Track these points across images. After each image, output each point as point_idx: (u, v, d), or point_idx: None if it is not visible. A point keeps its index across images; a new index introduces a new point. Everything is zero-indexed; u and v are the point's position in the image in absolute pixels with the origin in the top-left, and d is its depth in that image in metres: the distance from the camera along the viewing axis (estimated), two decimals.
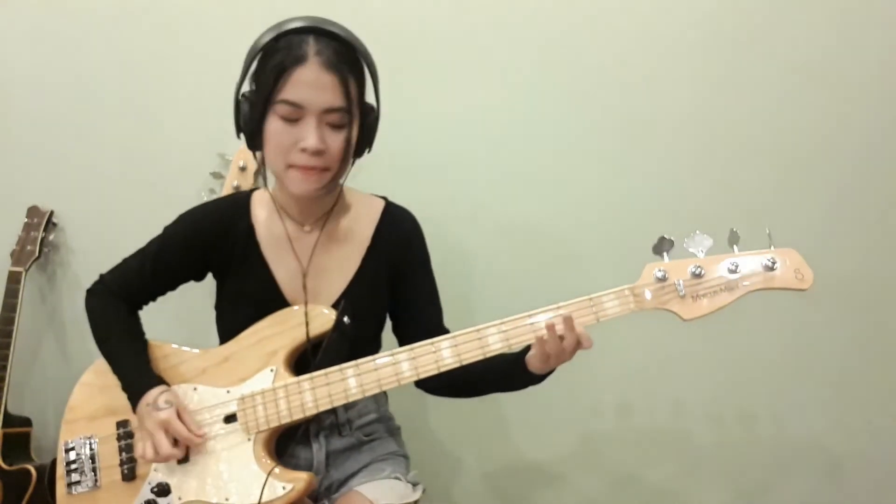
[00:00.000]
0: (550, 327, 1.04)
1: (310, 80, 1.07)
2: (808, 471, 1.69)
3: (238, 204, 1.25)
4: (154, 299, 1.29)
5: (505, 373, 1.15)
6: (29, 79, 1.81)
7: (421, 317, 1.26)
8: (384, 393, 1.32)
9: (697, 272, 1.03)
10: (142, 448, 1.13)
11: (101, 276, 1.28)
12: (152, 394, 1.14)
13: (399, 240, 1.26)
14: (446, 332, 1.23)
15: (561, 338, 1.04)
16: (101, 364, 1.23)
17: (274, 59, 1.08)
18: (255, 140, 1.14)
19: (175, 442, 1.13)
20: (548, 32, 1.68)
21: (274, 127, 1.09)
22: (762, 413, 1.70)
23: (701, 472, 1.72)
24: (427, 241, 1.30)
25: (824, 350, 1.67)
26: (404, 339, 1.27)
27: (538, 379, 1.13)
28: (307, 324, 1.15)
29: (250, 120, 1.12)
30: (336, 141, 1.11)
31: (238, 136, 1.17)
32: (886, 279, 1.65)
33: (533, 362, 1.09)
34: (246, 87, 1.14)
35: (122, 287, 1.26)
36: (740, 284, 1.02)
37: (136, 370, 1.19)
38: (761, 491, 1.70)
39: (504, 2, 1.69)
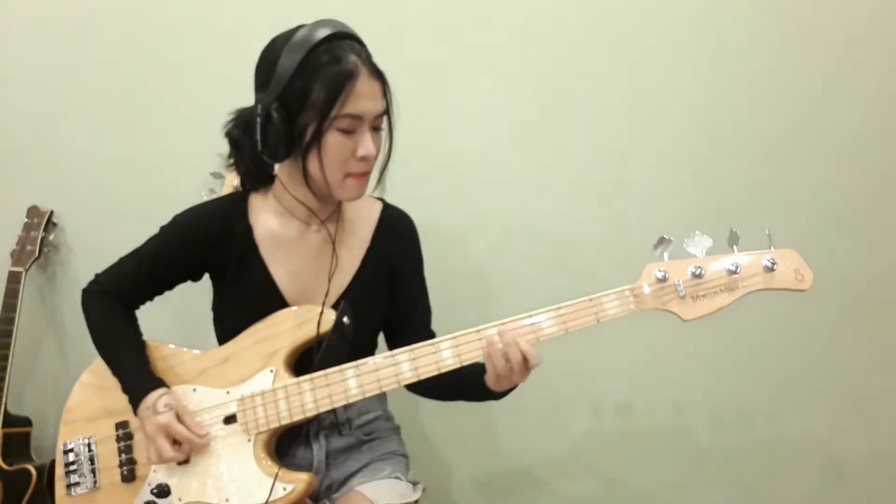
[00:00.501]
0: (491, 343, 1.06)
1: (366, 92, 1.09)
2: (807, 471, 1.69)
3: (235, 204, 1.24)
4: (150, 299, 1.29)
5: (469, 385, 1.16)
6: (29, 79, 1.81)
7: (411, 318, 1.27)
8: (383, 392, 1.31)
9: (697, 272, 1.03)
10: (144, 452, 1.14)
11: (97, 275, 1.27)
12: (152, 397, 1.14)
13: (397, 241, 1.27)
14: (433, 334, 1.25)
15: (506, 356, 1.05)
16: (99, 364, 1.23)
17: (323, 73, 1.07)
18: (293, 153, 1.12)
19: (179, 444, 1.13)
20: (549, 33, 1.68)
21: (334, 141, 1.10)
22: (761, 413, 1.70)
23: (700, 473, 1.72)
24: (427, 241, 1.31)
25: (824, 350, 1.67)
26: (392, 339, 1.28)
27: (497, 395, 1.14)
28: (320, 320, 1.15)
29: (292, 133, 1.10)
30: (379, 142, 1.15)
31: (261, 148, 1.13)
32: (886, 279, 1.65)
33: (488, 381, 1.10)
34: (272, 100, 1.10)
35: (118, 287, 1.25)
36: (740, 285, 1.03)
37: (136, 373, 1.18)
38: (761, 491, 1.70)
39: (506, 2, 1.69)
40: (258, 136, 1.12)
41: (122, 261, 1.26)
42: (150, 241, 1.25)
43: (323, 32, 1.08)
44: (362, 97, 1.09)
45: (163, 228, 1.25)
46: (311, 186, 1.16)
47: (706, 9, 1.64)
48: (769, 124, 1.65)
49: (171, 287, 1.28)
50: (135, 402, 1.16)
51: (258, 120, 1.11)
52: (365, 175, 1.14)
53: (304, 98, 1.08)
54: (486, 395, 1.15)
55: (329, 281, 1.20)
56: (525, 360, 1.04)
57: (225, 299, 1.25)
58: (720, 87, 1.65)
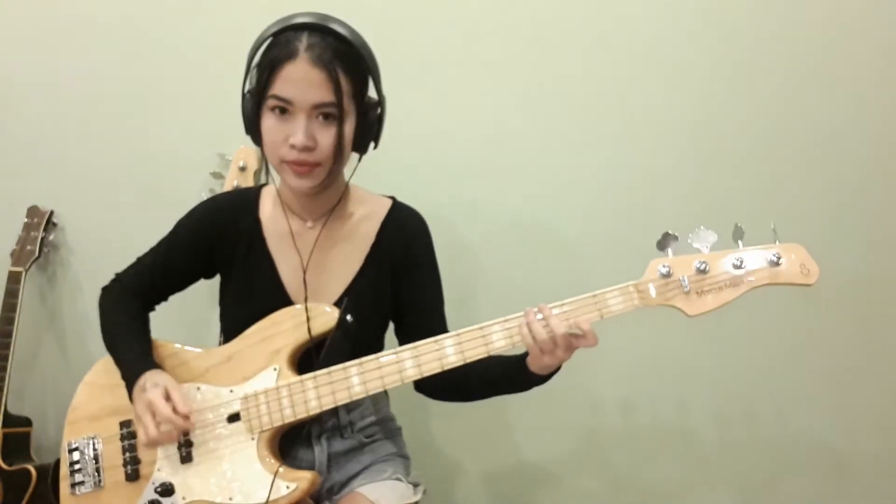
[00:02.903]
0: (528, 314, 1.04)
1: (298, 77, 1.07)
2: (812, 470, 1.69)
3: (246, 198, 1.26)
4: (166, 298, 1.30)
5: (508, 373, 1.14)
6: (29, 79, 1.81)
7: (424, 320, 1.24)
8: (386, 394, 1.31)
9: (702, 268, 1.03)
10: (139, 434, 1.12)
11: (117, 274, 1.29)
12: (143, 378, 1.13)
13: (403, 239, 1.25)
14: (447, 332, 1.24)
15: (550, 333, 1.03)
16: (104, 363, 1.23)
17: (268, 55, 1.10)
18: (257, 135, 1.15)
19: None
20: (550, 31, 1.68)
21: (267, 122, 1.11)
22: (766, 412, 1.69)
23: (704, 472, 1.72)
24: (434, 248, 1.29)
25: (829, 349, 1.67)
26: (406, 336, 1.26)
27: (541, 379, 1.12)
28: (308, 321, 1.14)
29: (249, 115, 1.14)
30: (327, 136, 1.10)
31: (246, 133, 1.17)
32: (892, 277, 1.65)
33: (530, 362, 1.09)
34: (248, 85, 1.15)
35: (135, 283, 1.27)
36: (745, 280, 1.02)
37: (135, 357, 1.18)
38: (765, 490, 1.70)
39: (506, 2, 1.69)
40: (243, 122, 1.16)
41: (139, 258, 1.29)
42: (166, 237, 1.27)
43: (290, 21, 1.10)
44: (292, 82, 1.07)
45: (177, 224, 1.27)
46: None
47: (711, 6, 1.64)
48: (774, 118, 1.65)
49: (186, 283, 1.29)
50: (129, 385, 1.15)
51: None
52: (302, 165, 1.10)
53: (253, 80, 1.12)
54: (529, 382, 1.12)
55: (304, 283, 1.19)
56: (578, 337, 1.03)
57: (231, 294, 1.25)
58: (725, 82, 1.65)
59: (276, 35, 1.10)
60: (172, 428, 1.09)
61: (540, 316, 1.04)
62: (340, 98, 1.09)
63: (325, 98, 1.08)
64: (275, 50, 1.09)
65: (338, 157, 1.12)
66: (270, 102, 1.09)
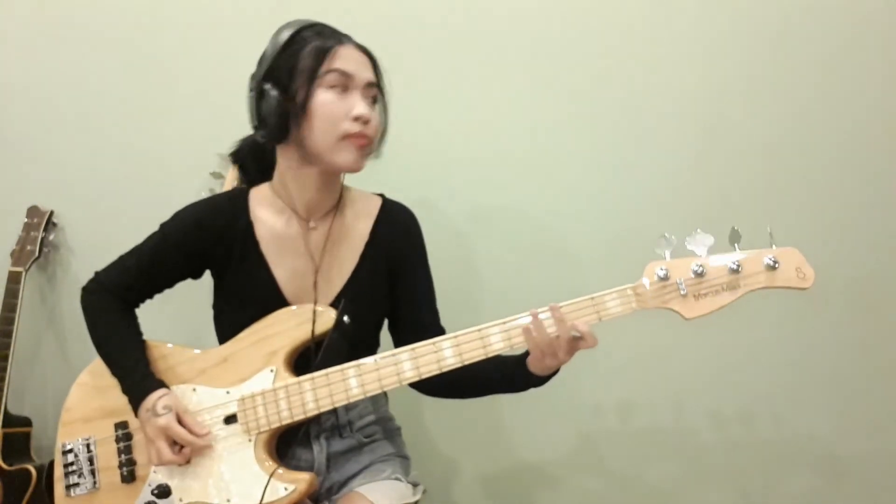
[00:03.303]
0: (534, 315, 1.05)
1: (353, 56, 1.14)
2: (809, 471, 1.69)
3: (236, 200, 1.24)
4: (150, 297, 1.28)
5: (506, 373, 1.14)
6: (29, 79, 1.81)
7: (417, 316, 1.26)
8: (384, 394, 1.31)
9: (699, 271, 1.03)
10: (146, 455, 1.14)
11: (97, 273, 1.26)
12: (151, 398, 1.13)
13: (396, 236, 1.26)
14: (443, 332, 1.23)
15: (555, 334, 1.04)
16: (97, 365, 1.22)
17: (309, 43, 1.12)
18: (287, 122, 1.13)
19: (179, 447, 1.12)
20: (549, 31, 1.68)
21: (324, 98, 1.12)
22: (763, 413, 1.69)
23: (702, 473, 1.72)
24: (427, 240, 1.30)
25: (826, 350, 1.67)
26: (400, 337, 1.27)
27: (539, 381, 1.12)
28: (314, 321, 1.14)
29: (284, 102, 1.11)
30: (376, 116, 1.16)
31: (257, 128, 1.16)
32: (888, 278, 1.65)
33: (530, 361, 1.09)
34: (268, 84, 1.13)
35: (118, 285, 1.24)
36: (742, 283, 1.02)
37: (135, 373, 1.18)
38: (762, 491, 1.70)
39: (507, 2, 1.68)
40: (251, 114, 1.16)
41: (122, 258, 1.26)
42: (151, 238, 1.24)
43: (310, 21, 1.15)
44: (348, 58, 1.13)
45: (163, 225, 1.24)
46: (308, 157, 1.15)
47: (708, 7, 1.64)
48: (771, 122, 1.65)
49: (171, 284, 1.27)
50: (134, 403, 1.15)
51: (250, 98, 1.16)
52: (362, 138, 1.13)
53: (292, 68, 1.12)
54: (528, 383, 1.13)
55: (315, 281, 1.19)
56: (578, 339, 1.03)
57: (225, 297, 1.24)
58: (722, 85, 1.65)
59: (302, 31, 1.13)
60: (189, 450, 1.12)
61: (546, 315, 1.05)
62: (381, 80, 1.18)
63: (372, 77, 1.16)
64: (316, 40, 1.12)
65: (381, 137, 1.19)
66: (330, 78, 1.11)
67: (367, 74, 1.14)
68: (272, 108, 1.12)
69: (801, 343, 1.67)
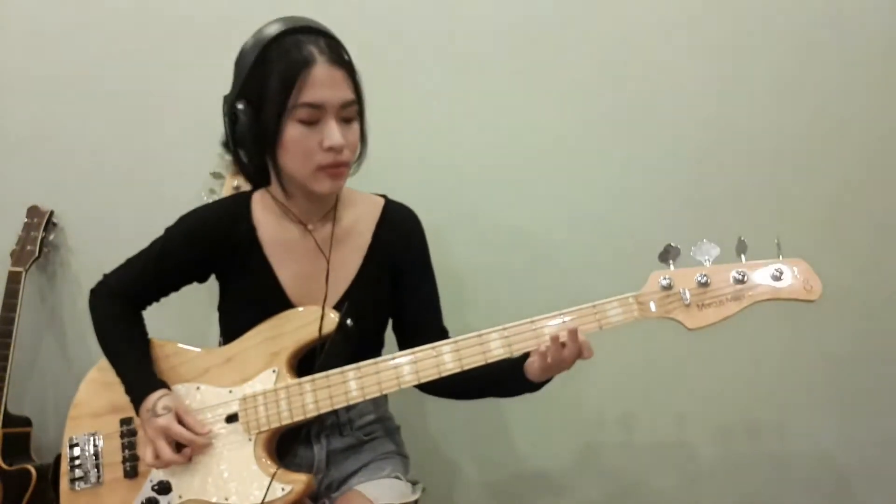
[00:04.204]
0: (555, 339, 1.03)
1: (324, 79, 1.07)
2: (813, 483, 1.69)
3: (238, 205, 1.24)
4: (157, 300, 1.29)
5: (502, 378, 1.14)
6: (29, 79, 1.80)
7: (421, 316, 1.26)
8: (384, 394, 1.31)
9: (703, 281, 1.02)
10: (144, 453, 1.14)
11: (105, 276, 1.28)
12: (151, 398, 1.14)
13: (400, 237, 1.26)
14: (446, 332, 1.25)
15: (563, 345, 1.04)
16: (106, 361, 1.23)
17: (276, 66, 1.07)
18: (262, 150, 1.12)
19: (178, 446, 1.12)
20: (549, 34, 1.68)
21: (294, 133, 1.08)
22: (767, 424, 1.69)
23: (705, 483, 1.71)
24: (428, 244, 1.30)
25: (830, 362, 1.67)
26: (403, 337, 1.27)
27: (535, 387, 1.13)
28: (322, 318, 1.14)
29: (257, 130, 1.10)
30: (352, 134, 1.12)
31: (230, 149, 1.15)
32: (894, 289, 1.64)
33: (531, 370, 1.09)
34: (240, 103, 1.11)
35: (125, 288, 1.25)
36: (747, 294, 1.01)
37: (137, 374, 1.18)
38: (766, 502, 1.69)
39: (504, 3, 1.67)
40: (227, 136, 1.14)
41: (129, 262, 1.26)
42: (156, 243, 1.25)
43: (278, 27, 1.09)
44: (318, 85, 1.06)
45: (168, 230, 1.25)
46: (283, 184, 1.15)
47: (713, 11, 1.63)
48: (780, 132, 1.64)
49: (177, 288, 1.28)
50: (135, 403, 1.16)
51: (225, 119, 1.13)
52: (338, 167, 1.10)
53: (262, 92, 1.08)
54: (522, 388, 1.13)
55: (326, 283, 1.19)
56: (580, 351, 1.03)
57: (231, 299, 1.25)
58: (729, 93, 1.65)
59: (268, 47, 1.08)
60: (190, 449, 1.12)
61: (565, 336, 1.03)
62: (360, 94, 1.12)
63: (348, 96, 1.09)
64: (283, 60, 1.06)
65: (360, 153, 1.15)
66: (300, 112, 1.07)
67: (340, 95, 1.08)
68: (247, 131, 1.10)
69: (806, 354, 1.67)
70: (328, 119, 1.08)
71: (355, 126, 1.12)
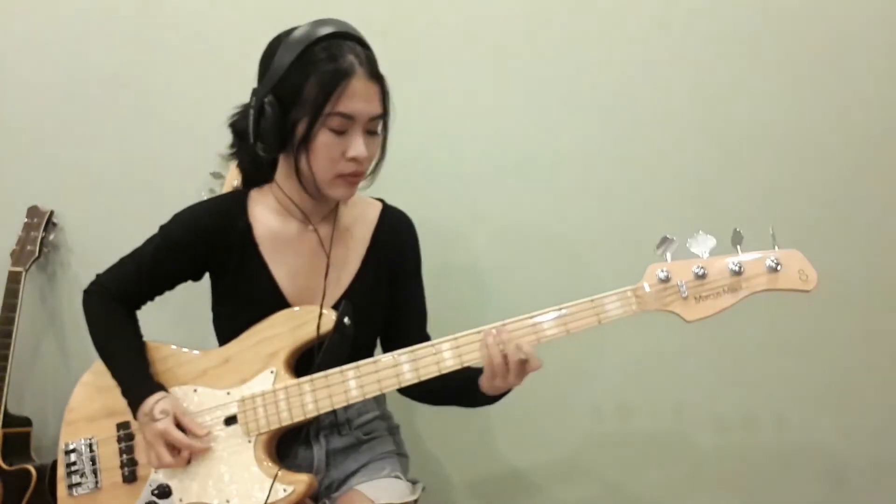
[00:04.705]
0: (487, 336, 1.05)
1: (361, 92, 1.08)
2: (811, 475, 1.68)
3: (234, 203, 1.24)
4: (152, 299, 1.28)
5: (458, 388, 1.15)
6: (29, 79, 1.81)
7: (408, 321, 1.27)
8: (383, 393, 1.31)
9: (700, 273, 1.02)
10: (145, 458, 1.14)
11: (98, 276, 1.27)
12: (149, 402, 1.13)
13: (397, 242, 1.27)
14: (427, 338, 1.25)
15: (504, 355, 1.04)
16: (100, 365, 1.22)
17: (317, 70, 1.07)
18: (284, 148, 1.13)
19: (177, 450, 1.12)
20: (549, 32, 1.68)
21: (325, 139, 1.09)
22: (764, 417, 1.69)
23: (703, 477, 1.71)
24: (426, 241, 1.31)
25: (828, 353, 1.66)
26: (388, 341, 1.28)
27: (489, 400, 1.13)
28: (320, 316, 1.14)
29: (284, 128, 1.10)
30: (373, 146, 1.14)
31: (253, 140, 1.14)
32: (891, 282, 1.64)
33: (483, 381, 1.10)
34: (268, 94, 1.11)
35: (119, 288, 1.24)
36: (744, 285, 1.02)
37: (134, 377, 1.18)
38: (764, 495, 1.69)
39: (505, 2, 1.68)
40: (251, 128, 1.13)
41: (122, 261, 1.26)
42: (150, 241, 1.24)
43: (323, 30, 1.09)
44: (356, 97, 1.08)
45: (162, 227, 1.24)
46: (302, 183, 1.15)
47: (709, 7, 1.63)
48: (774, 123, 1.64)
49: (171, 287, 1.27)
50: (133, 406, 1.15)
51: (251, 111, 1.13)
52: (355, 176, 1.13)
53: (297, 93, 1.08)
54: (478, 400, 1.14)
55: (325, 281, 1.19)
56: (524, 361, 1.04)
57: (225, 299, 1.24)
58: (724, 85, 1.65)
59: (313, 45, 1.08)
60: (189, 453, 1.12)
61: (492, 338, 1.05)
62: (388, 109, 1.14)
63: (376, 111, 1.12)
64: (327, 64, 1.07)
65: (376, 165, 1.17)
66: (333, 121, 1.08)
67: (371, 109, 1.10)
68: (272, 127, 1.10)
69: (803, 346, 1.67)
70: (356, 130, 1.10)
71: (378, 139, 1.15)
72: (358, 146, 1.10)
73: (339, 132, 1.09)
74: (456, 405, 1.24)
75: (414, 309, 1.29)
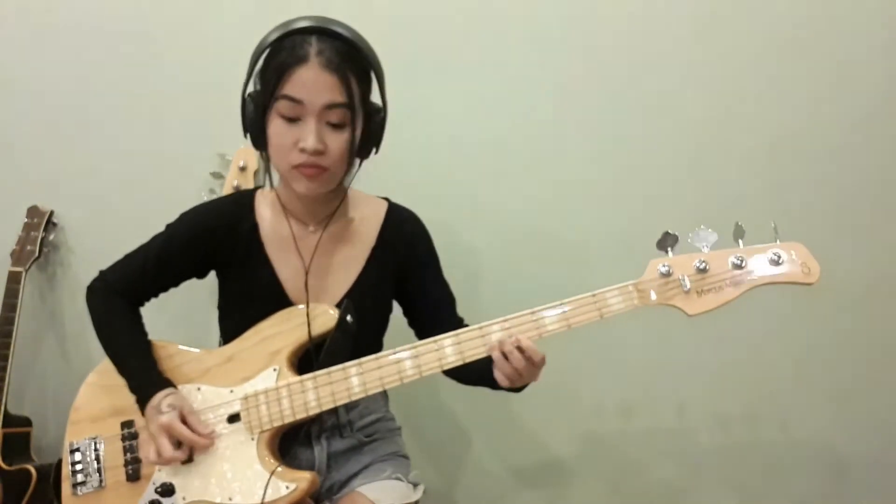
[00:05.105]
0: (491, 348, 1.05)
1: (310, 80, 1.08)
2: (812, 472, 1.69)
3: (242, 202, 1.25)
4: (156, 296, 1.28)
5: (486, 376, 1.15)
6: (29, 79, 1.81)
7: (436, 312, 1.27)
8: (384, 393, 1.32)
9: (702, 267, 1.03)
10: (146, 451, 1.14)
11: (102, 272, 1.27)
12: (157, 397, 1.14)
13: (404, 241, 1.27)
14: (461, 323, 1.25)
15: (505, 357, 1.04)
16: (105, 364, 1.22)
17: (277, 58, 1.09)
18: (259, 140, 1.15)
19: (179, 445, 1.12)
20: (549, 30, 1.68)
21: (275, 127, 1.10)
22: (766, 414, 1.69)
23: (704, 473, 1.71)
24: (434, 244, 1.30)
25: (830, 350, 1.67)
26: (422, 333, 1.27)
27: (512, 390, 1.13)
28: (308, 322, 1.14)
29: (254, 119, 1.13)
30: (337, 141, 1.11)
31: (245, 136, 1.17)
32: (892, 276, 1.64)
33: (498, 379, 1.09)
34: (251, 87, 1.15)
35: (123, 284, 1.24)
36: (746, 279, 1.02)
37: (142, 373, 1.18)
38: (765, 492, 1.70)
39: (506, 2, 1.68)
40: (241, 125, 1.16)
41: (127, 258, 1.26)
42: (156, 239, 1.25)
43: (297, 25, 1.10)
44: (303, 83, 1.07)
45: (169, 226, 1.25)
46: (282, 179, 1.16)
47: (708, 6, 1.64)
48: (775, 117, 1.65)
49: (176, 284, 1.28)
50: (141, 402, 1.15)
51: (241, 104, 1.15)
52: (310, 168, 1.10)
53: (260, 84, 1.12)
54: (500, 389, 1.13)
55: (305, 285, 1.19)
56: (528, 357, 1.04)
57: (230, 297, 1.25)
58: (725, 81, 1.65)
59: (281, 40, 1.10)
60: (189, 450, 1.12)
61: (507, 348, 1.04)
62: (352, 102, 1.10)
63: (335, 99, 1.09)
64: (283, 55, 1.08)
65: (347, 162, 1.14)
66: (281, 105, 1.08)
67: (323, 98, 1.08)
68: (250, 121, 1.14)
69: (806, 341, 1.67)
70: (309, 120, 1.09)
71: (344, 134, 1.11)
72: (308, 137, 1.08)
73: (290, 119, 1.09)
74: (489, 388, 1.22)
75: (439, 297, 1.28)
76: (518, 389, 1.13)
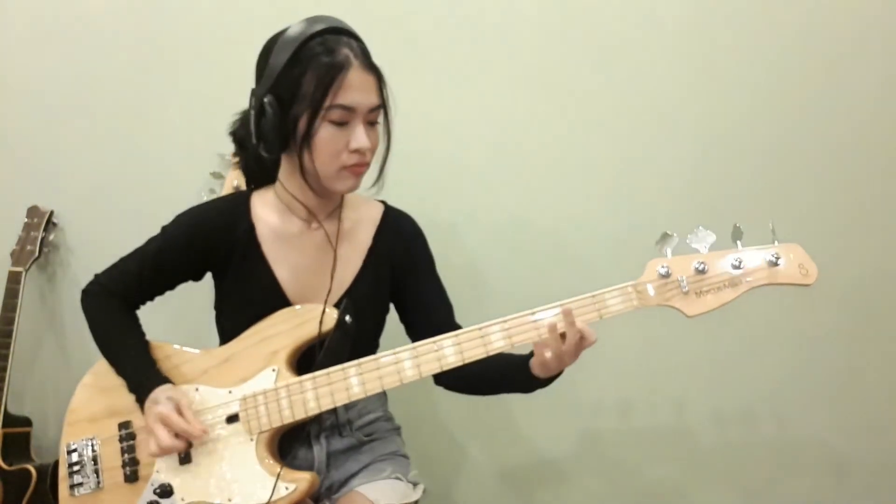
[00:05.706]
0: (552, 328, 1.04)
1: (358, 83, 1.09)
2: (811, 470, 1.69)
3: (237, 203, 1.25)
4: (151, 299, 1.28)
5: (509, 375, 1.15)
6: (29, 79, 1.81)
7: (432, 317, 1.26)
8: (384, 393, 1.32)
9: (701, 268, 1.03)
10: (146, 448, 1.14)
11: (97, 275, 1.26)
12: (156, 392, 1.14)
13: (399, 243, 1.27)
14: (458, 328, 1.23)
15: (563, 336, 1.04)
16: (101, 365, 1.23)
17: (313, 65, 1.08)
18: (275, 145, 1.12)
19: (177, 436, 1.12)
20: (548, 30, 1.68)
21: (326, 133, 1.10)
22: (765, 412, 1.69)
23: (704, 472, 1.72)
24: (429, 241, 1.30)
25: (828, 349, 1.67)
26: (417, 338, 1.26)
27: (543, 383, 1.13)
28: (323, 313, 1.14)
29: (285, 126, 1.10)
30: (375, 137, 1.15)
31: (256, 141, 1.15)
32: (891, 276, 1.65)
33: (535, 368, 1.09)
34: (263, 90, 1.11)
35: (119, 287, 1.24)
36: (744, 280, 1.02)
37: (141, 372, 1.18)
38: (764, 490, 1.70)
39: (506, 2, 1.68)
40: (252, 129, 1.14)
41: (123, 260, 1.26)
42: (152, 241, 1.24)
43: (317, 27, 1.10)
44: (353, 88, 1.09)
45: (164, 228, 1.25)
46: (306, 180, 1.15)
47: (708, 7, 1.64)
48: (773, 119, 1.64)
49: (172, 287, 1.27)
50: (140, 400, 1.16)
51: (252, 112, 1.14)
52: (360, 167, 1.14)
53: (295, 89, 1.09)
54: (531, 385, 1.13)
55: (332, 277, 1.20)
56: (581, 338, 1.03)
57: (227, 298, 1.24)
58: (723, 82, 1.65)
59: (306, 42, 1.08)
60: (186, 439, 1.11)
61: (562, 323, 1.03)
62: (386, 99, 1.14)
63: (374, 101, 1.12)
64: (323, 58, 1.08)
65: (386, 151, 1.19)
66: (334, 114, 1.09)
67: (370, 100, 1.11)
68: (273, 126, 1.11)
69: (803, 342, 1.67)
70: (357, 122, 1.11)
71: (378, 129, 1.15)
72: (360, 137, 1.11)
73: (340, 124, 1.10)
74: (507, 392, 1.23)
75: (435, 299, 1.28)
76: (548, 382, 1.12)
